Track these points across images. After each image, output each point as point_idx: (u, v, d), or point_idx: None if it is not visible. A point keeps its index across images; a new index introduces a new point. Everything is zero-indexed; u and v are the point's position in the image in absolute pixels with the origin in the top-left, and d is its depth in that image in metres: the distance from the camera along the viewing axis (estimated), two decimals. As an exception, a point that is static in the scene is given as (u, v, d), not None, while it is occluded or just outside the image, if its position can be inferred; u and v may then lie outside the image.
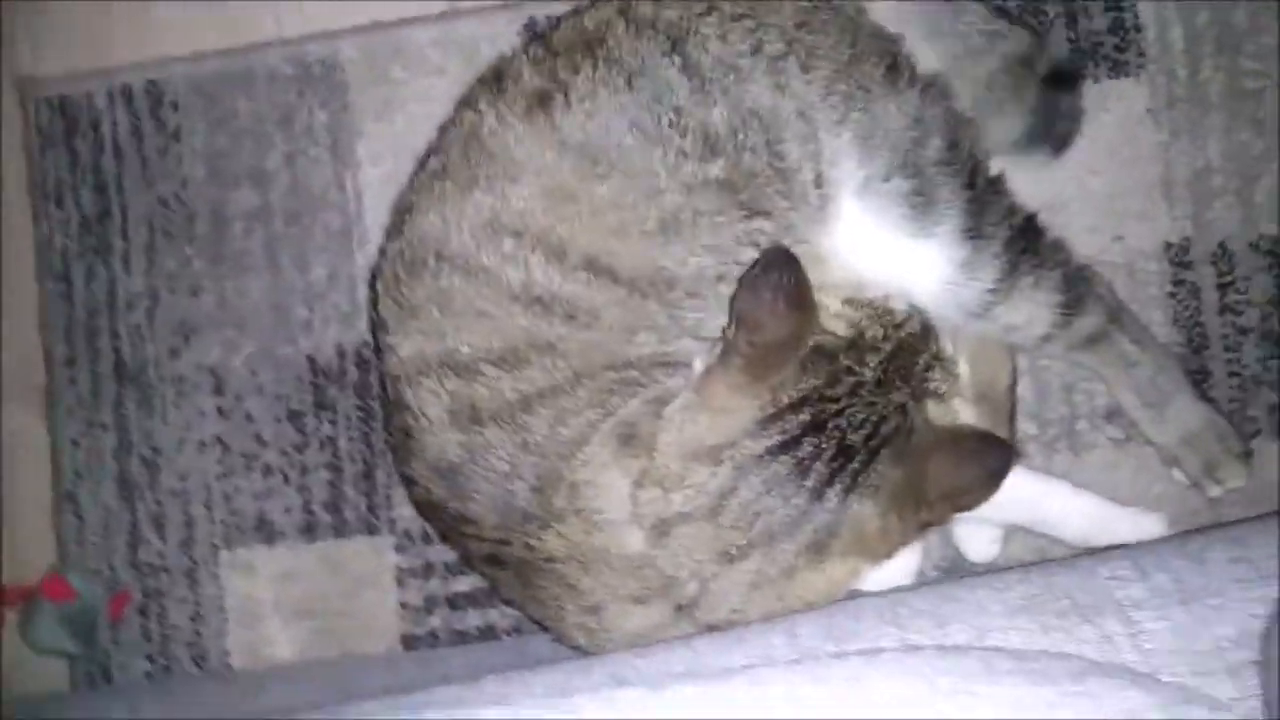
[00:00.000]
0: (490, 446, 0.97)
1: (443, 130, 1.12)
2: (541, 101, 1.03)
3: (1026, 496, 1.11)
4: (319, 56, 1.40)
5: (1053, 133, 1.22)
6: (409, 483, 1.08)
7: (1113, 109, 1.26)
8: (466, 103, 1.09)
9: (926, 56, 1.11)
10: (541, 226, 1.00)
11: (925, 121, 1.05)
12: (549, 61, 1.05)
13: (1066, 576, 0.81)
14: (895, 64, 1.06)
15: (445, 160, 1.06)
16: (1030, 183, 1.24)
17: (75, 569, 1.38)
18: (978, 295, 1.05)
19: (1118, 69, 1.26)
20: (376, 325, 1.09)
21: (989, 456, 0.90)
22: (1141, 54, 1.25)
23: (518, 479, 0.96)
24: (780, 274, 0.89)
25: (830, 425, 0.90)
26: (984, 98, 1.16)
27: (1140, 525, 1.11)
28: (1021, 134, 1.20)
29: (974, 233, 1.05)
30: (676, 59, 1.01)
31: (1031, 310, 1.08)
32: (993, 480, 0.89)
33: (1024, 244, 1.08)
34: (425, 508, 1.08)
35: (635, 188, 1.00)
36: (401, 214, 1.08)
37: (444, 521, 1.05)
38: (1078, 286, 1.10)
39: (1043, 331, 1.10)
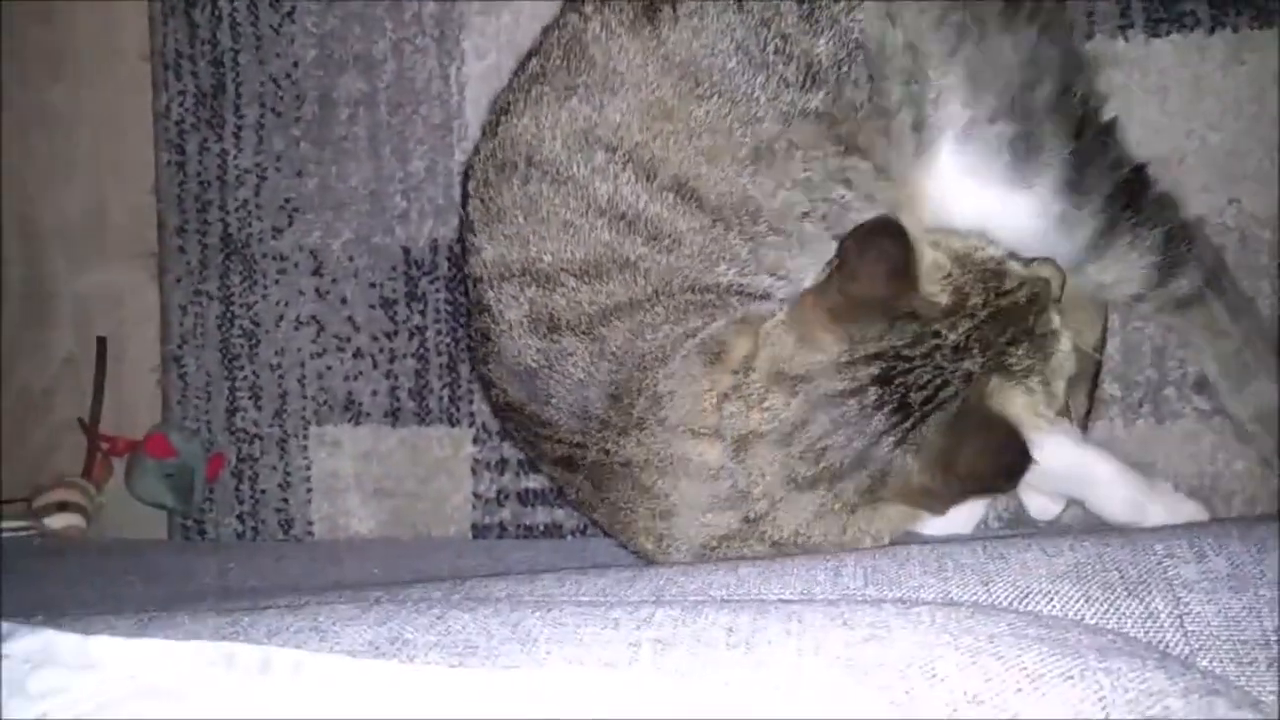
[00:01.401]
0: (567, 354, 0.99)
1: (546, 31, 1.10)
2: (649, 12, 1.02)
3: (1071, 470, 1.10)
4: (433, -55, 1.40)
5: None
6: (487, 384, 1.11)
7: (1248, 60, 1.19)
8: (573, 5, 1.08)
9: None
10: (635, 142, 1.00)
11: (1040, 62, 1.01)
12: None
13: (1119, 549, 0.80)
14: None
15: (545, 63, 1.05)
16: (1149, 131, 1.20)
17: (176, 428, 1.47)
18: (1071, 251, 1.03)
19: (1260, 18, 1.18)
20: (464, 223, 1.11)
21: (1007, 454, 0.90)
22: (1290, 4, 1.17)
23: (593, 386, 0.99)
24: (889, 243, 0.90)
25: (897, 381, 0.90)
26: None
27: (1177, 510, 1.09)
28: None
29: (1075, 186, 1.02)
30: None
31: (1124, 270, 1.05)
32: (1007, 477, 0.91)
33: (1126, 200, 1.04)
34: (502, 409, 1.09)
35: (734, 112, 0.99)
36: (498, 114, 1.08)
37: (520, 423, 1.06)
38: (1177, 248, 1.06)
39: (1134, 291, 1.07)
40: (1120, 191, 1.04)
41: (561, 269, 1.00)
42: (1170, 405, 1.22)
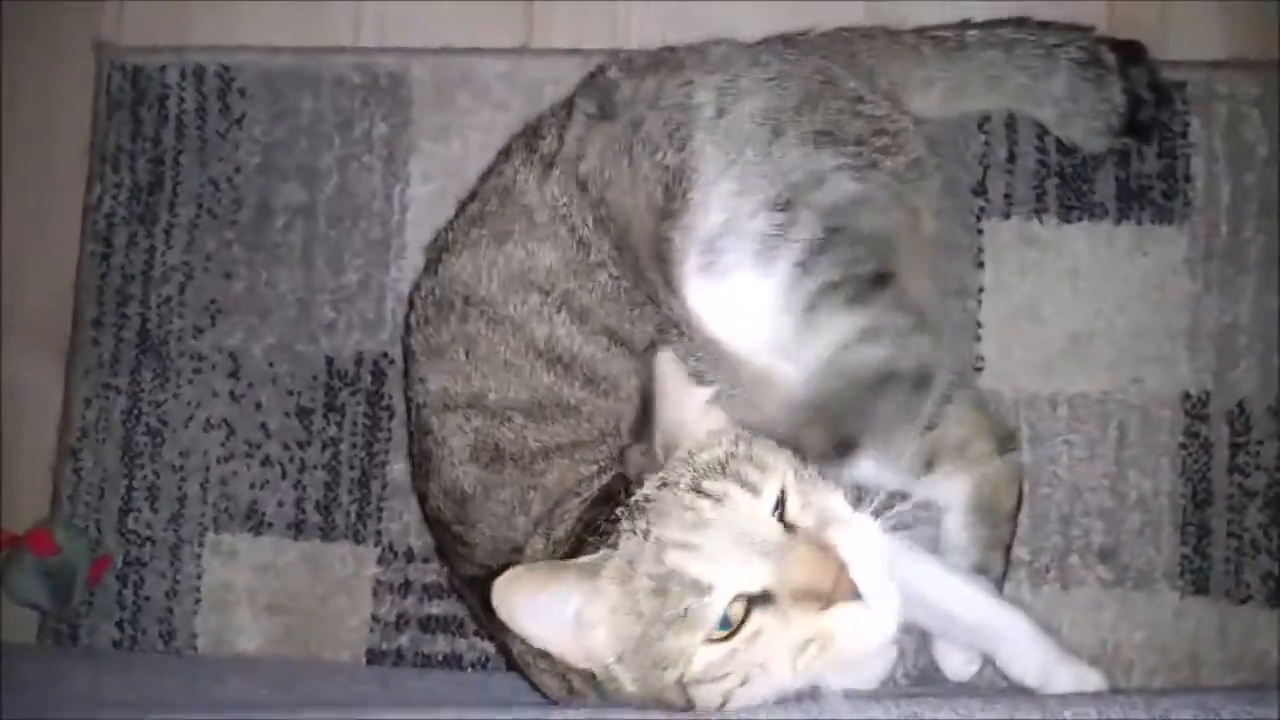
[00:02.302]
0: (505, 484, 1.02)
1: (483, 178, 1.16)
2: (547, 169, 1.09)
3: (986, 624, 1.11)
4: (389, 70, 1.44)
5: (1138, 122, 1.22)
6: (422, 498, 1.14)
7: (1151, 252, 1.27)
8: (506, 153, 1.14)
9: (991, 101, 1.20)
10: (565, 289, 1.05)
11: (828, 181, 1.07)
12: (559, 128, 1.10)
13: (1029, 713, 0.80)
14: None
15: (483, 207, 1.11)
16: (1061, 309, 1.26)
17: (63, 525, 1.39)
18: (788, 327, 1.06)
19: (1161, 215, 1.27)
20: (407, 352, 1.15)
21: None
22: (1187, 204, 1.27)
23: (522, 515, 1.01)
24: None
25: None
26: (1069, 108, 1.21)
27: (1081, 679, 1.09)
28: (1108, 126, 1.22)
29: (806, 267, 1.04)
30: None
31: (829, 335, 1.06)
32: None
33: (850, 288, 1.06)
34: (432, 523, 1.14)
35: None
36: (439, 251, 1.12)
37: (443, 539, 1.11)
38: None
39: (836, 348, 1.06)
40: (848, 281, 1.05)
41: (508, 407, 1.04)
42: (1075, 572, 1.24)
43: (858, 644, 0.82)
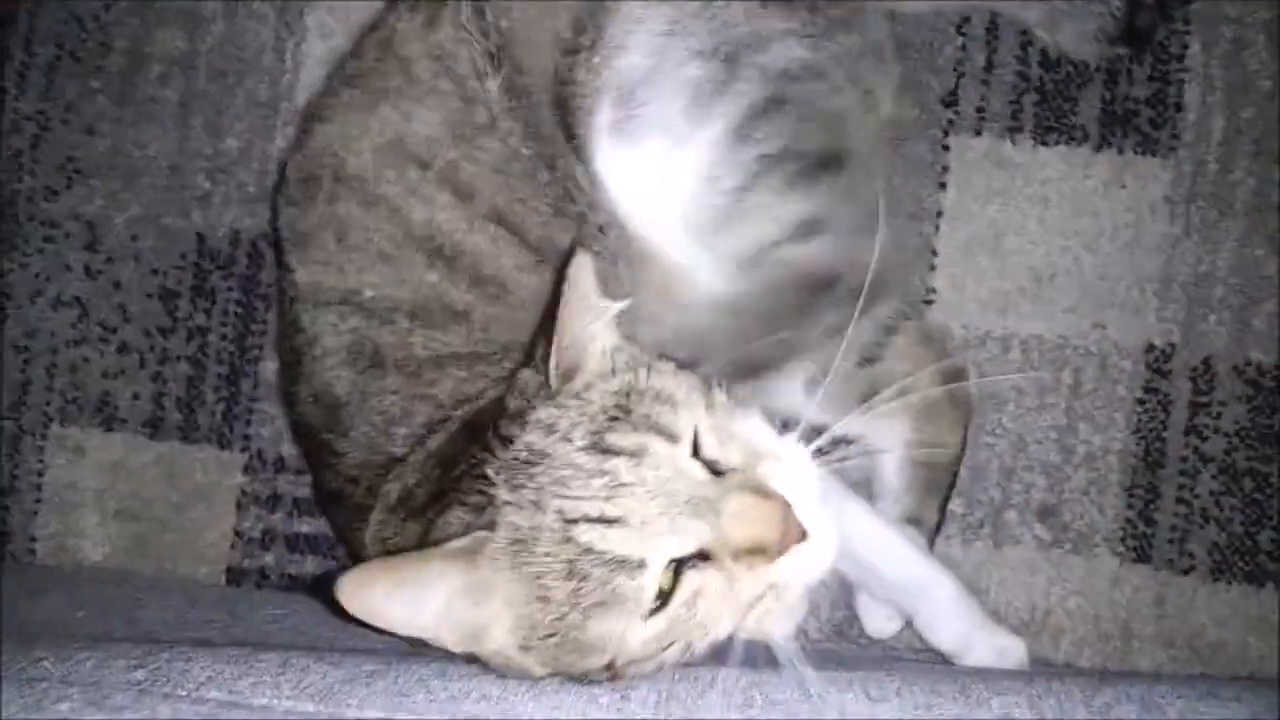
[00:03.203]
0: (386, 391, 0.88)
1: (367, 31, 0.98)
2: (434, 13, 0.91)
3: (909, 583, 1.02)
4: (290, -96, 1.24)
5: (1135, 29, 1.10)
6: (290, 401, 0.99)
7: (1130, 186, 1.14)
8: (392, 4, 0.95)
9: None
10: (448, 160, 0.87)
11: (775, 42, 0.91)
12: None
13: (952, 700, 0.69)
14: None
15: (360, 65, 0.94)
16: (1024, 240, 1.14)
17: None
18: (712, 212, 0.90)
19: (1146, 145, 1.14)
20: (276, 239, 0.98)
21: None
22: (1175, 135, 1.14)
23: (404, 425, 0.87)
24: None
25: None
26: (1059, 6, 1.08)
27: (1003, 651, 1.00)
28: (1102, 32, 1.09)
29: (740, 136, 0.89)
30: None
31: (761, 222, 0.91)
32: None
33: (793, 165, 0.91)
34: (299, 429, 0.99)
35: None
36: (309, 120, 0.95)
37: (311, 447, 0.97)
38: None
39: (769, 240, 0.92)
40: (792, 156, 0.91)
41: (390, 307, 0.89)
42: (1010, 531, 1.14)
43: (809, 581, 0.73)
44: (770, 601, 0.72)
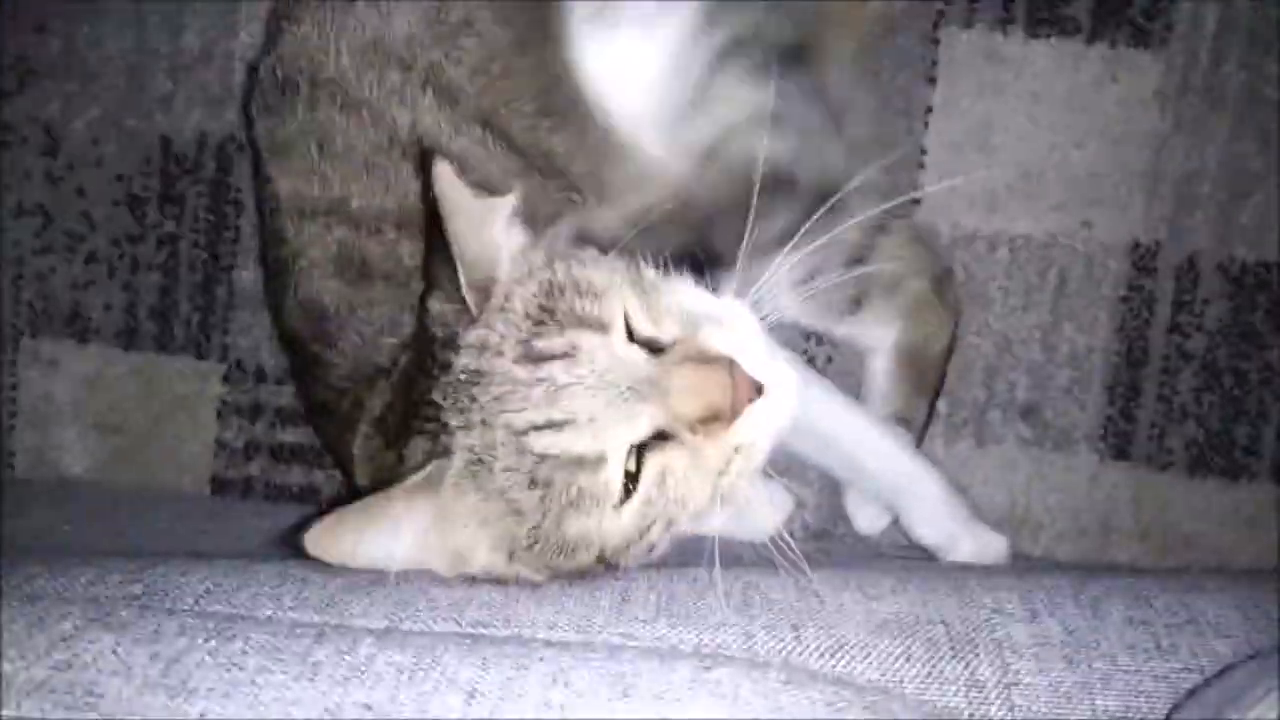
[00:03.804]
0: (373, 303, 0.86)
1: None
2: None
3: (896, 479, 1.02)
4: None
5: None
6: (275, 312, 0.97)
7: (1121, 80, 1.12)
8: None
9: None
10: (430, 61, 0.84)
11: None
12: None
13: (946, 596, 0.71)
14: None
15: None
16: (1013, 137, 1.12)
17: None
18: (679, 96, 0.90)
19: (1138, 38, 1.12)
20: (253, 148, 0.95)
21: None
22: (1168, 28, 1.11)
23: (391, 337, 0.85)
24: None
25: None
26: None
27: (985, 546, 1.01)
28: None
29: (710, 17, 0.88)
30: None
31: (729, 105, 0.90)
32: None
33: (755, 51, 0.90)
34: (286, 340, 0.97)
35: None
36: (279, 19, 0.90)
37: (298, 359, 0.95)
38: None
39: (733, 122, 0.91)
40: (757, 43, 0.89)
41: (376, 216, 0.86)
42: (993, 429, 1.15)
43: (777, 433, 0.73)
44: (741, 462, 0.72)
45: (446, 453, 0.70)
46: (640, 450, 0.69)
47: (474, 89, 0.85)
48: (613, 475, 0.68)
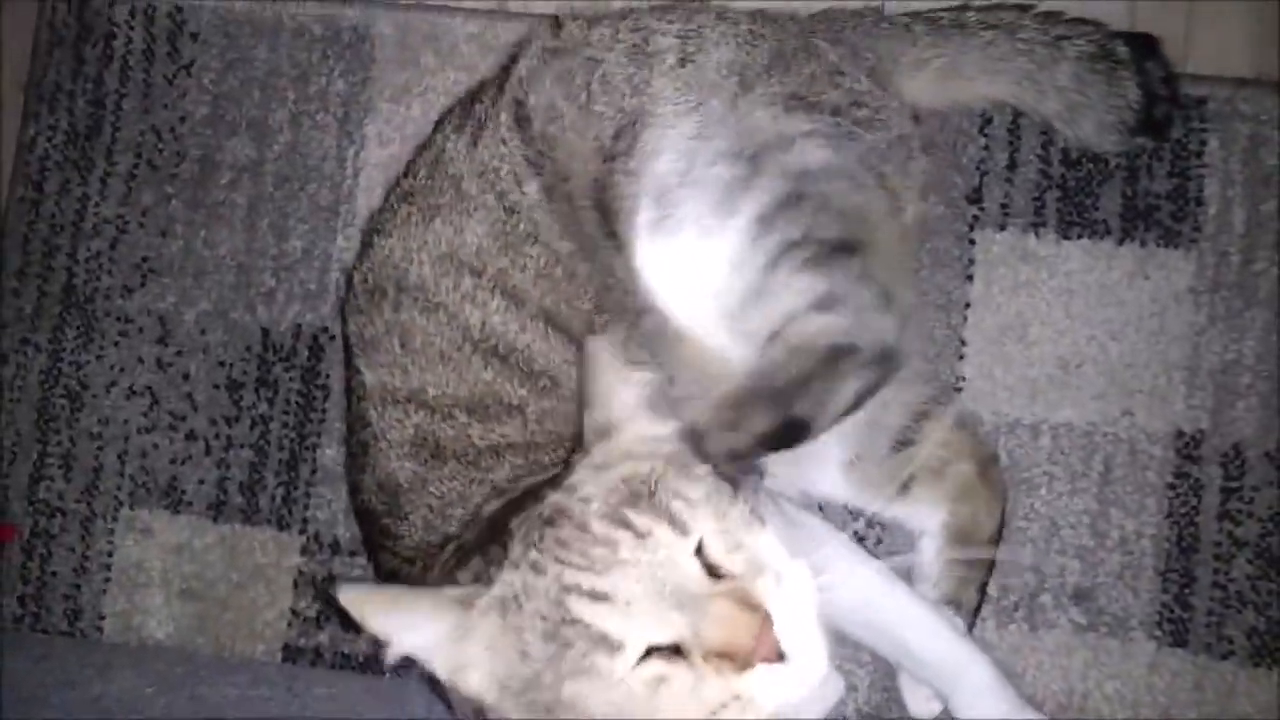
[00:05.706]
0: (445, 479, 0.94)
1: (419, 149, 1.07)
2: (477, 132, 1.00)
3: (946, 664, 1.03)
4: (352, 23, 1.33)
5: (1153, 119, 1.12)
6: (354, 490, 1.05)
7: (1153, 277, 1.18)
8: (440, 122, 1.04)
9: (989, 88, 1.11)
10: (498, 268, 0.95)
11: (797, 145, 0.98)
12: (496, 88, 1.02)
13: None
14: None
15: (413, 182, 1.02)
16: (1052, 331, 1.17)
17: (-35, 490, 1.29)
18: (740, 290, 0.96)
19: (1169, 238, 1.18)
20: (345, 343, 1.07)
21: None
22: (1197, 228, 1.18)
23: (461, 506, 0.92)
24: None
25: None
26: (1076, 100, 1.10)
27: None
28: (1122, 123, 1.11)
29: (764, 222, 0.95)
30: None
31: (784, 301, 0.96)
32: None
33: (809, 248, 0.96)
34: (361, 515, 1.05)
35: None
36: (370, 233, 1.04)
37: (371, 531, 1.02)
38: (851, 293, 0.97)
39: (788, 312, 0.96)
40: (810, 242, 0.96)
41: (450, 404, 0.96)
42: (1046, 614, 1.15)
43: (781, 705, 0.72)
44: (735, 713, 0.72)
45: (489, 582, 0.75)
46: (649, 654, 0.71)
47: (537, 290, 0.95)
48: (620, 666, 0.70)
